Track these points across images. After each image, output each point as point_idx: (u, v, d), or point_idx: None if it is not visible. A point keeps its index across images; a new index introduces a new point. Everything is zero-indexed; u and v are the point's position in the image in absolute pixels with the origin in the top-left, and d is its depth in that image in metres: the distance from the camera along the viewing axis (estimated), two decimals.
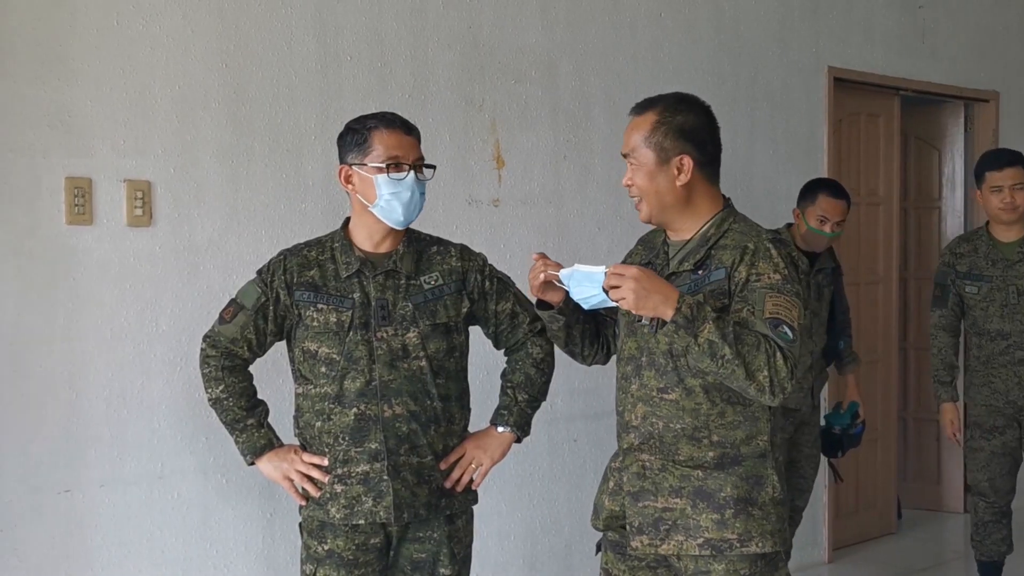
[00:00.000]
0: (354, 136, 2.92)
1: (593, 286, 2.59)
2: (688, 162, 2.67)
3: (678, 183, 2.67)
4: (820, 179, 4.79)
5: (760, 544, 2.64)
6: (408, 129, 2.93)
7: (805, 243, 4.58)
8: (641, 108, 2.74)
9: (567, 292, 2.71)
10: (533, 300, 2.87)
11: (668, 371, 2.67)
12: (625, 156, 2.73)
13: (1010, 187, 4.55)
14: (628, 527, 2.73)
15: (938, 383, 4.74)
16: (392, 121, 2.92)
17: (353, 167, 2.91)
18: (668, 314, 2.49)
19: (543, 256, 2.75)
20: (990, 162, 4.69)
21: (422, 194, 2.92)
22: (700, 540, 2.64)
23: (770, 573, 2.70)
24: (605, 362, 2.94)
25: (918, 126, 6.58)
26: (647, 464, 2.70)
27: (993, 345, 4.61)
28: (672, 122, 2.68)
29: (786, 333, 2.54)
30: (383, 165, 2.87)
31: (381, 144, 2.88)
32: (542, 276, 2.72)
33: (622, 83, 4.70)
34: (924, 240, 6.64)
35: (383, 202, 2.88)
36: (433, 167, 2.96)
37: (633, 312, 2.55)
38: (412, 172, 2.89)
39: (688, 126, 2.68)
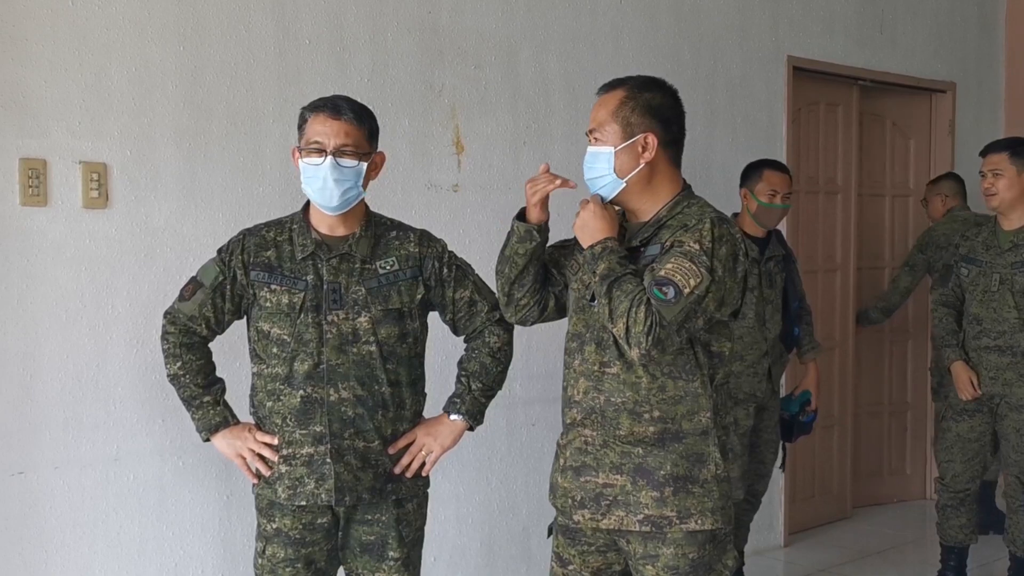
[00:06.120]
0: (299, 120, 2.94)
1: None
2: (653, 140, 2.70)
3: (642, 160, 2.69)
4: (761, 159, 4.79)
5: (699, 521, 2.66)
6: (336, 113, 2.86)
7: (757, 223, 4.61)
8: (610, 86, 2.77)
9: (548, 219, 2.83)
10: (528, 206, 2.84)
11: (609, 345, 2.69)
12: (590, 133, 2.74)
13: (988, 171, 4.63)
14: (571, 501, 2.75)
15: (944, 347, 4.77)
16: (321, 105, 2.89)
17: (297, 150, 2.93)
18: (586, 244, 2.69)
19: (549, 170, 2.80)
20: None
21: (339, 180, 2.84)
22: (640, 516, 2.67)
23: (718, 556, 2.72)
24: (535, 320, 2.93)
25: (892, 113, 6.54)
26: (589, 439, 2.73)
27: (971, 329, 4.68)
28: (640, 98, 2.71)
29: (665, 292, 2.54)
30: (304, 149, 2.89)
31: (310, 129, 2.88)
32: (551, 187, 2.77)
33: (582, 69, 4.72)
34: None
35: (304, 187, 2.90)
36: (362, 155, 2.87)
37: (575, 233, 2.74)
38: (330, 158, 2.84)
39: (655, 103, 2.72)
